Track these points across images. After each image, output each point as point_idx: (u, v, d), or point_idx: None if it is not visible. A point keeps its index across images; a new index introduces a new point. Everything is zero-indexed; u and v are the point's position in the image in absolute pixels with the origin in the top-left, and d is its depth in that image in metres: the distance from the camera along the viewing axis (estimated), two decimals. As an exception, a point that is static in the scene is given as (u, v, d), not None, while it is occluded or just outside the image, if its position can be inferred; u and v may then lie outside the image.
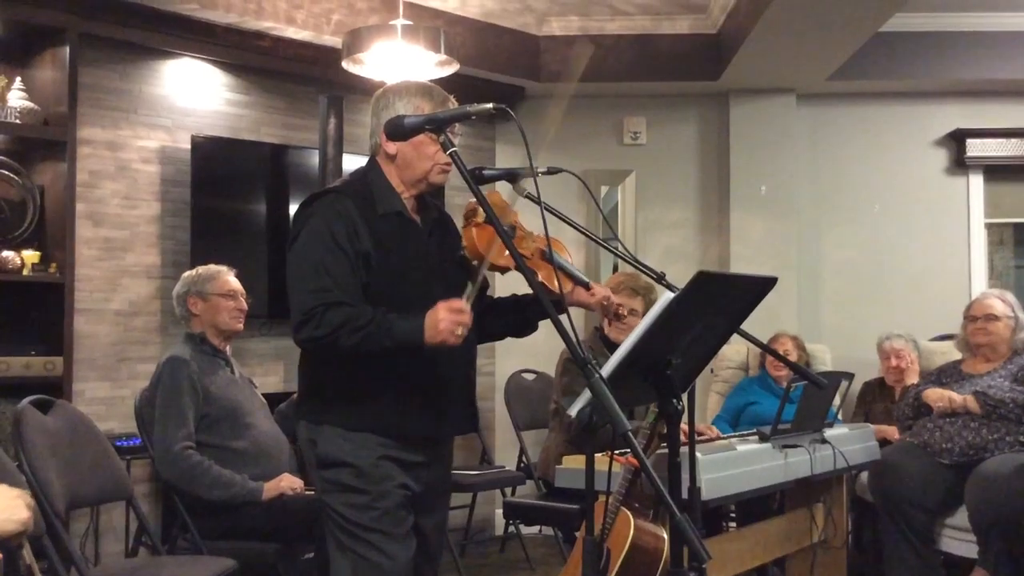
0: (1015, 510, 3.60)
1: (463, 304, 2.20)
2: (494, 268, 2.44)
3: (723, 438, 3.75)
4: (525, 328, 2.64)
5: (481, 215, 2.39)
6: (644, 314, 4.02)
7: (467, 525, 5.56)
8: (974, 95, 6.05)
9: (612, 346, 4.02)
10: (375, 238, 2.35)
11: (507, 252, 2.33)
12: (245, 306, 3.76)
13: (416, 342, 2.22)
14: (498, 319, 2.63)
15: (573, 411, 2.15)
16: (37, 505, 2.81)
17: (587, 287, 2.55)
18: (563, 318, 1.88)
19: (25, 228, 4.25)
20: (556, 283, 2.40)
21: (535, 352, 5.71)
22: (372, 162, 2.50)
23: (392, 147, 2.41)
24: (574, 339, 1.86)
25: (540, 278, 2.35)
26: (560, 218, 2.41)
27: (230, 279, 3.76)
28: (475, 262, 2.40)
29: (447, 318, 2.20)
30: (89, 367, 4.49)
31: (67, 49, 4.20)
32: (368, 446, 2.38)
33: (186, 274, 3.82)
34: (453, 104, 2.45)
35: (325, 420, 2.40)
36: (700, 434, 4.05)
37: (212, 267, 3.81)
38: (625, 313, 2.62)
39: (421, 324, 2.22)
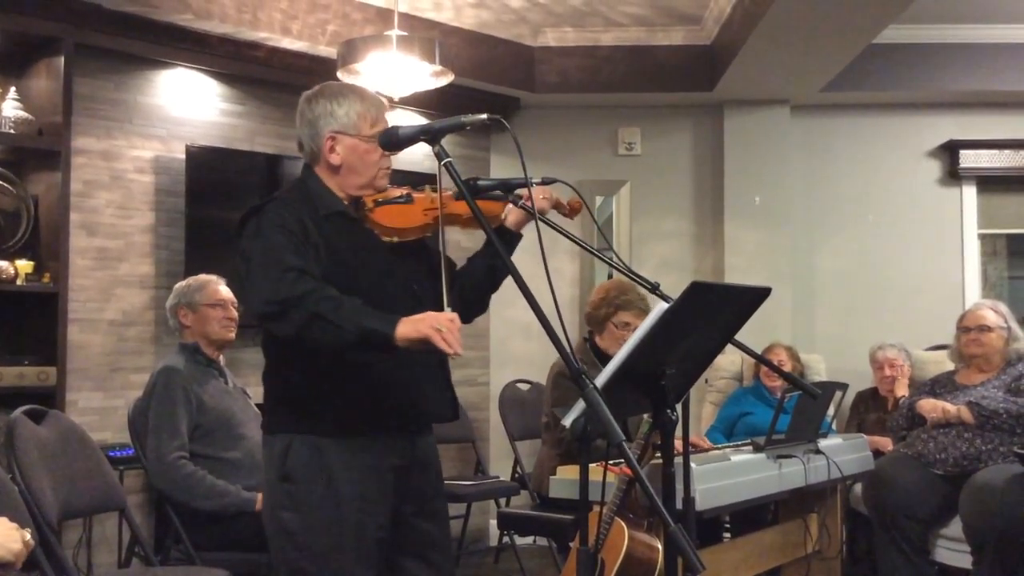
0: (1009, 520, 3.60)
1: (455, 316, 2.13)
2: (421, 232, 2.43)
3: (716, 448, 3.75)
4: (496, 275, 2.54)
5: (370, 204, 2.39)
6: None
7: (461, 536, 5.54)
8: (967, 107, 6.08)
9: (602, 356, 4.00)
10: (323, 237, 2.32)
11: (423, 212, 2.37)
12: (235, 315, 3.74)
13: (385, 333, 2.10)
14: (471, 282, 2.55)
15: (567, 421, 2.15)
16: (30, 515, 2.80)
17: (516, 197, 2.43)
18: (556, 326, 1.87)
19: (19, 238, 4.25)
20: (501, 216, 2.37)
21: (530, 362, 5.72)
22: (307, 170, 2.46)
23: (337, 157, 2.39)
24: (566, 345, 1.86)
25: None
26: (554, 228, 2.41)
27: (220, 288, 3.74)
28: (395, 239, 2.39)
29: (434, 317, 2.10)
30: (82, 377, 4.48)
31: (62, 59, 4.20)
32: (346, 464, 2.31)
33: (177, 285, 3.81)
34: (386, 106, 2.47)
35: (298, 429, 2.33)
36: (693, 446, 4.05)
37: (201, 277, 3.80)
38: (578, 207, 2.57)
39: (394, 319, 2.12)
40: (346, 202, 2.43)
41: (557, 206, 2.50)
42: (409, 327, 2.10)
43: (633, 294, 4.06)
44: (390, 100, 4.25)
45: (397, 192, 2.43)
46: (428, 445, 2.54)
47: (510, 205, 2.48)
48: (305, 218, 2.32)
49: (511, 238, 2.50)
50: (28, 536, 2.05)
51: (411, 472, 2.44)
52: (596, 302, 4.05)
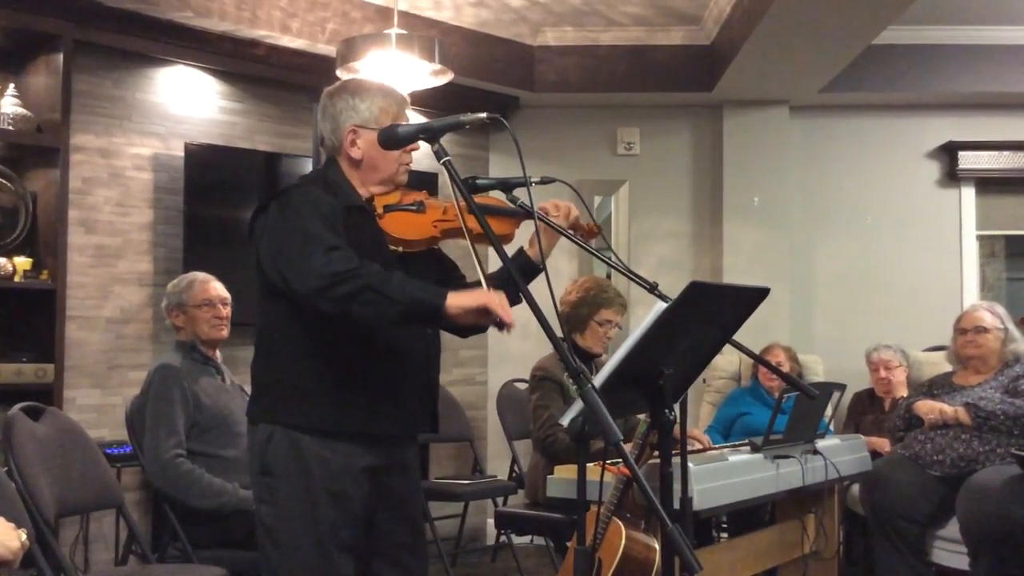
0: (1006, 521, 3.60)
1: (502, 293, 2.11)
2: (428, 245, 2.41)
3: (715, 448, 3.75)
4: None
5: (380, 208, 2.38)
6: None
7: (459, 535, 5.55)
8: (966, 108, 6.08)
9: (583, 355, 3.98)
10: (344, 227, 2.31)
11: (432, 223, 2.35)
12: (224, 313, 3.70)
13: (435, 304, 2.09)
14: None
15: (565, 421, 2.15)
16: (27, 512, 2.80)
17: (516, 197, 2.39)
18: (555, 326, 1.87)
19: (17, 235, 4.24)
20: (535, 244, 2.36)
21: (528, 362, 5.68)
22: (330, 162, 2.46)
23: (357, 151, 2.39)
24: (564, 345, 1.86)
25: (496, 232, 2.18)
26: (553, 227, 2.40)
27: (208, 287, 3.71)
28: (400, 249, 2.37)
29: (498, 298, 2.09)
30: (80, 374, 4.48)
31: (61, 56, 4.19)
32: (323, 461, 2.30)
33: (168, 285, 3.80)
34: (408, 102, 2.47)
35: (278, 421, 2.33)
36: (693, 439, 4.07)
37: (188, 276, 3.78)
38: (594, 232, 2.54)
39: (443, 291, 2.12)
40: (365, 197, 2.42)
41: (576, 226, 2.47)
42: (464, 296, 2.10)
43: (612, 291, 4.04)
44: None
45: (411, 199, 2.42)
46: (408, 451, 2.52)
47: (533, 234, 2.44)
48: (329, 204, 2.31)
49: (530, 270, 2.45)
50: (24, 536, 2.05)
51: (389, 474, 2.43)
52: (575, 301, 4.00)
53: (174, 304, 3.70)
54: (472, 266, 2.15)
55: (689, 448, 3.79)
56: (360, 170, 2.42)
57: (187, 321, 3.68)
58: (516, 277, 2.03)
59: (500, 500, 5.26)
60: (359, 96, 2.42)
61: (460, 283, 2.52)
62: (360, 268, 2.14)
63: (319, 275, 2.14)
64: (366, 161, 2.41)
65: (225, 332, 3.71)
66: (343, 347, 2.30)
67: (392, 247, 2.37)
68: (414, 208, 2.39)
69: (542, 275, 2.01)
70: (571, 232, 2.43)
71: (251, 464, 2.41)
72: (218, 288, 3.74)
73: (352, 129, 2.40)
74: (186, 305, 3.68)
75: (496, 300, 2.07)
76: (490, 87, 5.72)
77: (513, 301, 2.44)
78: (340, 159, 2.44)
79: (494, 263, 2.47)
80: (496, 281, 2.46)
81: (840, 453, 3.77)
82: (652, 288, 2.34)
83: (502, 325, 2.08)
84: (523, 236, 2.48)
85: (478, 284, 2.14)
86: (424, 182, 2.51)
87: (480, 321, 2.11)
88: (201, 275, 3.78)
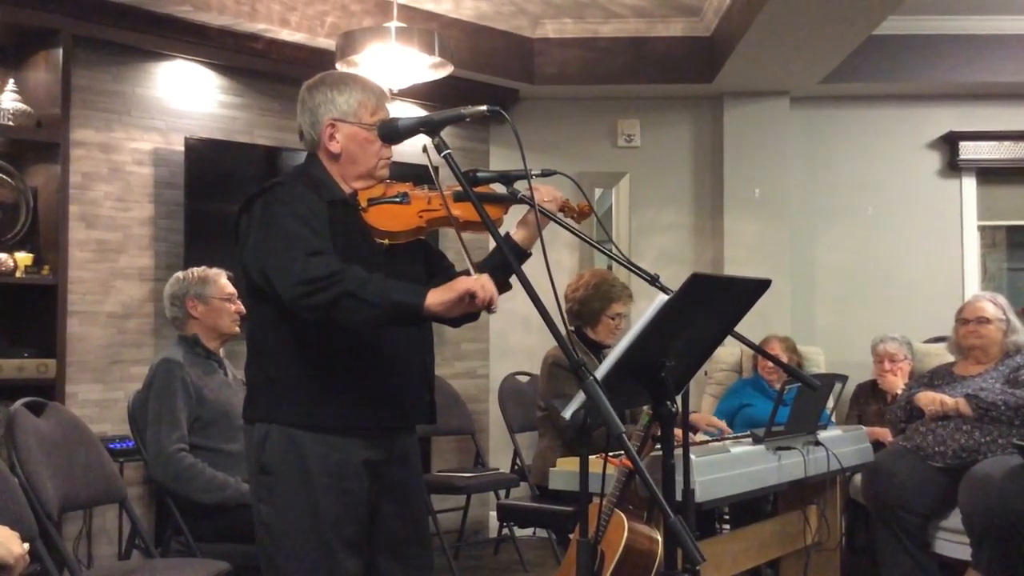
0: (1008, 512, 3.61)
1: (486, 276, 2.10)
2: (415, 235, 2.40)
3: (727, 438, 3.76)
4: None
5: (364, 203, 2.37)
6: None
7: (461, 527, 5.56)
8: (967, 98, 6.07)
9: (592, 345, 4.02)
10: (329, 222, 2.30)
11: (418, 214, 2.34)
12: (242, 309, 3.72)
13: (415, 303, 2.09)
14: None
15: (567, 413, 2.15)
16: (30, 507, 2.81)
17: (517, 199, 2.35)
18: (556, 319, 1.87)
19: (18, 230, 4.24)
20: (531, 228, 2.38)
21: (529, 354, 5.71)
22: (312, 157, 2.44)
23: (336, 145, 2.38)
24: (564, 335, 1.86)
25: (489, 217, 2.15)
26: (554, 220, 2.40)
27: (227, 282, 3.74)
28: (386, 241, 2.36)
29: (468, 278, 2.09)
30: (82, 369, 4.48)
31: (60, 51, 4.19)
32: (322, 457, 2.29)
33: (180, 275, 3.77)
34: (388, 95, 2.46)
35: (275, 419, 2.31)
36: (714, 427, 4.08)
37: (209, 269, 3.77)
38: (587, 211, 2.53)
39: (422, 289, 2.11)
40: (347, 192, 2.41)
41: (565, 208, 2.45)
42: (443, 291, 2.08)
43: (618, 283, 4.09)
44: (389, 92, 4.25)
45: (394, 191, 2.41)
46: (407, 442, 2.50)
47: (519, 219, 2.43)
48: (313, 201, 2.30)
49: (519, 255, 2.43)
50: (24, 548, 2.05)
51: (390, 467, 2.42)
52: (585, 298, 4.03)
53: (195, 294, 3.67)
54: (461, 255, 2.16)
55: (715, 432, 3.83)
56: (339, 164, 2.41)
57: (207, 312, 3.66)
58: (511, 259, 2.03)
59: (502, 493, 5.27)
60: (337, 89, 2.40)
61: (449, 272, 2.50)
62: (340, 273, 2.11)
63: (297, 282, 2.13)
64: (345, 155, 2.40)
65: (239, 328, 3.72)
66: (336, 341, 2.28)
67: (378, 240, 2.36)
68: (398, 200, 2.38)
69: (543, 268, 2.00)
70: (562, 216, 2.42)
71: (248, 464, 2.39)
72: (231, 284, 3.75)
73: (331, 123, 2.38)
74: (210, 297, 3.66)
75: (477, 283, 2.07)
76: (490, 80, 5.71)
77: (503, 288, 2.44)
78: (320, 153, 2.43)
79: (484, 251, 2.47)
80: (485, 269, 2.45)
81: (842, 444, 3.77)
82: (653, 280, 2.33)
83: (489, 307, 2.08)
84: (510, 222, 2.47)
85: (467, 272, 2.14)
86: (417, 176, 2.49)
87: (467, 310, 2.11)
88: (213, 270, 3.77)
